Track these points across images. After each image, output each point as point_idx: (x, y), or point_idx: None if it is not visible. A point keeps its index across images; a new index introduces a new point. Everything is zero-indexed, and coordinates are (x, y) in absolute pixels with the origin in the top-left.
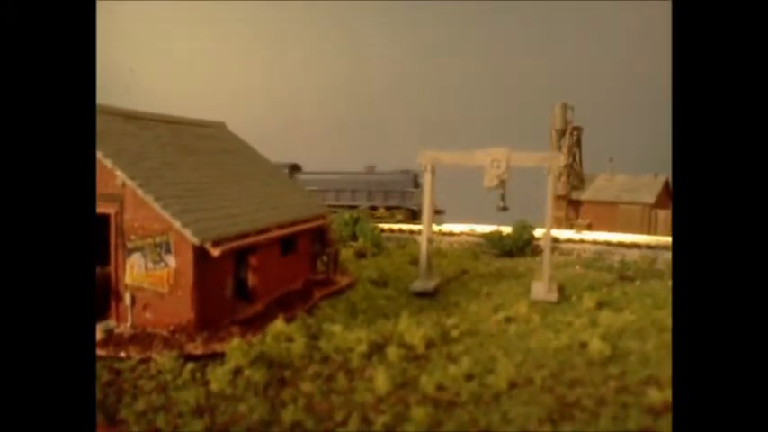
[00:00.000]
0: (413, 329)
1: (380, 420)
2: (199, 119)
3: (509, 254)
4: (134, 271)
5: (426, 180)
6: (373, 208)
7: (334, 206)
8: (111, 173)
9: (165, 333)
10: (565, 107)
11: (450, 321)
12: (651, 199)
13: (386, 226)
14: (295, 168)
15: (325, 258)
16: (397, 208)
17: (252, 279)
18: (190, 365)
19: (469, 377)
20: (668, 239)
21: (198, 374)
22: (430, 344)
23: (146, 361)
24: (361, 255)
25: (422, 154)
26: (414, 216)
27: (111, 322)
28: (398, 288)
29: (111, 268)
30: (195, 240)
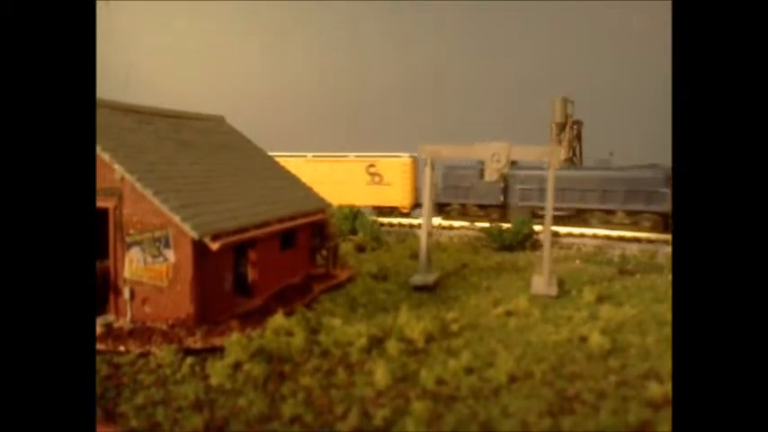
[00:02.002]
0: (412, 323)
1: (380, 414)
2: (198, 113)
3: (509, 248)
4: (133, 265)
5: (426, 174)
6: (609, 212)
7: (557, 209)
8: (110, 167)
9: (164, 327)
10: (565, 101)
11: (450, 315)
12: None
13: (385, 220)
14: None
15: (324, 252)
16: (641, 213)
17: (251, 273)
18: (189, 360)
19: (469, 371)
20: (668, 234)
21: (197, 369)
22: (430, 338)
23: (145, 355)
24: (360, 249)
25: (421, 148)
26: (665, 224)
27: (111, 316)
28: (398, 282)
29: (110, 262)
30: (194, 234)
